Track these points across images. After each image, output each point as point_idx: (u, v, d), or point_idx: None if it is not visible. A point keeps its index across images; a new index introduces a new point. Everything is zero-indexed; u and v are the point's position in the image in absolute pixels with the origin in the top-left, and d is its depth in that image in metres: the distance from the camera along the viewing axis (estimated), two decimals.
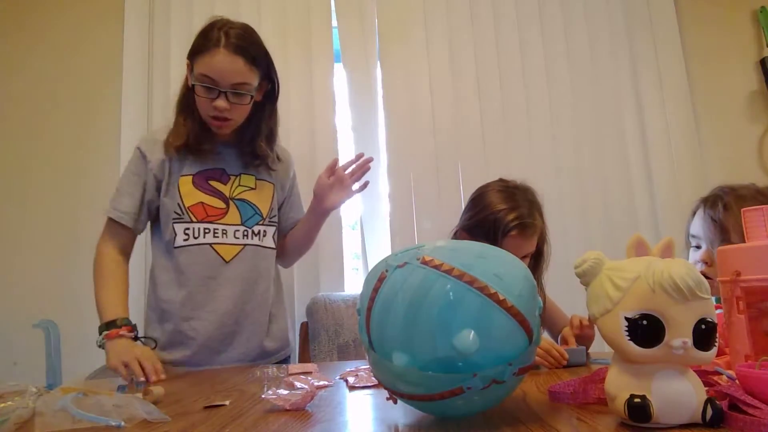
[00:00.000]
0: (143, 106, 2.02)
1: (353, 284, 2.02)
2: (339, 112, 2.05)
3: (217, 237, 1.29)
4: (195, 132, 1.28)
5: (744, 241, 0.73)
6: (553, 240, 1.99)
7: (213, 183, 1.31)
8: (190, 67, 1.25)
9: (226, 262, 1.29)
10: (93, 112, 2.07)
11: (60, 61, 2.10)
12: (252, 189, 1.35)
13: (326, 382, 0.91)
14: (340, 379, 0.97)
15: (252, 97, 1.26)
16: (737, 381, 0.59)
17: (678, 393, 0.54)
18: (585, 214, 2.04)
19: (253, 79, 1.25)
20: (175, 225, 1.27)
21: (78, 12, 2.12)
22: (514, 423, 0.61)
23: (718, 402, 0.53)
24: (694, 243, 1.22)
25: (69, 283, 1.89)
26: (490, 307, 0.57)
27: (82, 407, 0.64)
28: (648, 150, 2.12)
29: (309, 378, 0.93)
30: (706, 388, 0.56)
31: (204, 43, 1.21)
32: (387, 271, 0.62)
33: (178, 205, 1.28)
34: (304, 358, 1.71)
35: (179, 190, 1.28)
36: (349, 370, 1.01)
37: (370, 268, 0.66)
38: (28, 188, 2.02)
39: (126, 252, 1.31)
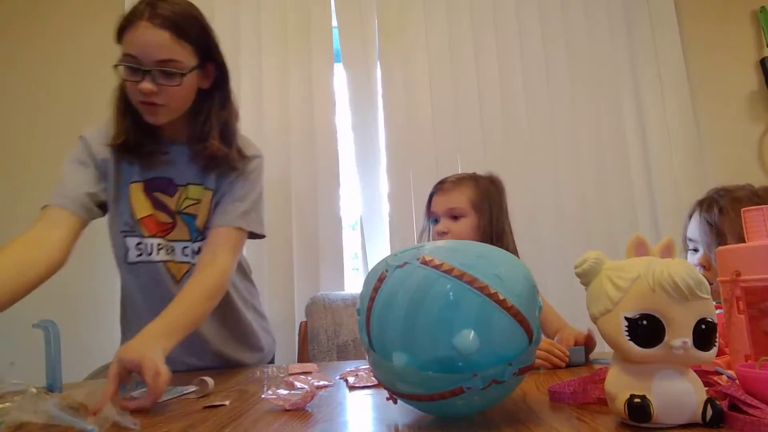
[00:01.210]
0: None
1: (353, 284, 2.02)
2: (339, 112, 2.05)
3: (169, 254, 1.16)
4: (134, 128, 1.11)
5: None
6: (553, 240, 2.00)
7: (158, 195, 1.15)
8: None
9: (177, 282, 1.16)
10: (92, 108, 2.06)
11: (57, 52, 2.09)
12: (197, 203, 1.17)
13: (326, 382, 0.91)
14: (340, 379, 0.97)
15: (183, 75, 1.05)
16: (737, 381, 0.59)
17: (678, 393, 0.54)
18: (585, 214, 2.04)
19: (185, 57, 1.05)
20: (126, 238, 1.14)
21: (83, 19, 2.12)
22: (514, 423, 0.61)
23: (718, 402, 0.53)
24: (691, 246, 1.22)
25: (69, 283, 1.89)
26: (490, 307, 0.57)
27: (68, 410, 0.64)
28: (648, 150, 2.12)
29: (309, 378, 0.93)
30: (706, 388, 0.56)
31: (127, 17, 1.04)
32: (387, 271, 0.62)
33: (130, 215, 1.14)
34: (303, 358, 1.71)
35: (130, 200, 1.14)
36: (349, 370, 1.01)
37: (370, 268, 0.66)
38: (26, 185, 2.02)
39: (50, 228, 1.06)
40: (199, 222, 1.17)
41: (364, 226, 2.00)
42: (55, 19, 2.11)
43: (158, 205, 1.15)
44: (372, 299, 0.62)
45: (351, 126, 2.04)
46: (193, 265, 1.15)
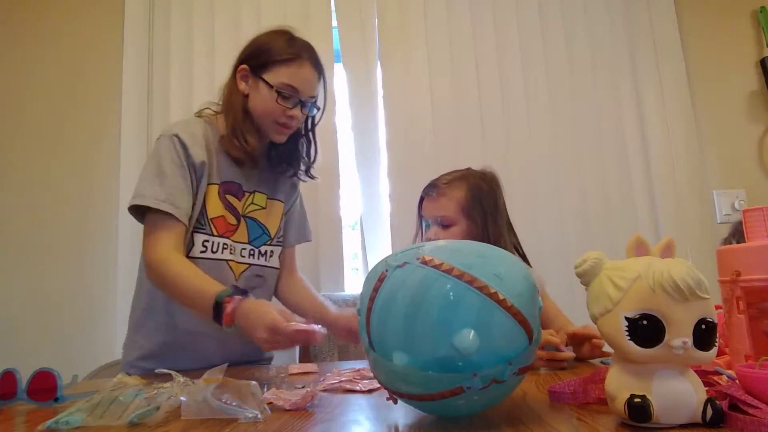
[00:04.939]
0: (143, 111, 2.02)
1: (353, 284, 2.02)
2: (339, 112, 2.04)
3: (232, 254, 1.26)
4: (256, 145, 1.25)
5: None
6: (553, 240, 2.00)
7: (229, 197, 1.27)
8: (250, 73, 1.25)
9: (236, 279, 1.26)
10: (93, 118, 2.07)
11: (60, 67, 2.10)
12: (262, 209, 1.33)
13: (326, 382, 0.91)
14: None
15: (315, 108, 1.33)
16: (737, 381, 0.59)
17: (678, 393, 0.54)
18: (585, 214, 2.04)
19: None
20: (195, 234, 1.20)
21: (78, 18, 2.12)
22: (514, 423, 0.61)
23: (718, 402, 0.53)
24: None
25: (67, 284, 1.89)
26: (490, 306, 0.57)
27: (222, 397, 0.69)
28: (648, 150, 2.12)
29: (309, 378, 0.93)
30: (706, 388, 0.56)
31: (288, 52, 1.24)
32: (387, 271, 0.62)
33: (202, 213, 1.21)
34: (304, 358, 1.71)
35: (205, 199, 1.22)
36: (349, 370, 1.01)
37: (370, 268, 0.66)
38: (30, 189, 2.02)
39: (182, 251, 1.18)
40: (271, 229, 1.34)
41: (364, 226, 2.00)
42: (58, 33, 2.12)
43: (228, 207, 1.26)
44: (372, 299, 0.62)
45: (351, 126, 2.04)
46: (252, 265, 1.29)
